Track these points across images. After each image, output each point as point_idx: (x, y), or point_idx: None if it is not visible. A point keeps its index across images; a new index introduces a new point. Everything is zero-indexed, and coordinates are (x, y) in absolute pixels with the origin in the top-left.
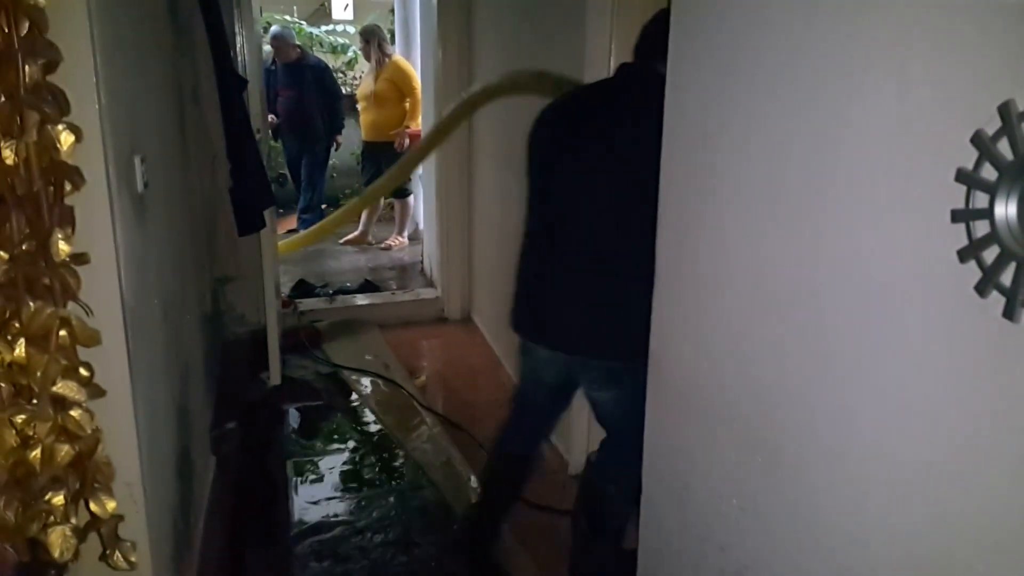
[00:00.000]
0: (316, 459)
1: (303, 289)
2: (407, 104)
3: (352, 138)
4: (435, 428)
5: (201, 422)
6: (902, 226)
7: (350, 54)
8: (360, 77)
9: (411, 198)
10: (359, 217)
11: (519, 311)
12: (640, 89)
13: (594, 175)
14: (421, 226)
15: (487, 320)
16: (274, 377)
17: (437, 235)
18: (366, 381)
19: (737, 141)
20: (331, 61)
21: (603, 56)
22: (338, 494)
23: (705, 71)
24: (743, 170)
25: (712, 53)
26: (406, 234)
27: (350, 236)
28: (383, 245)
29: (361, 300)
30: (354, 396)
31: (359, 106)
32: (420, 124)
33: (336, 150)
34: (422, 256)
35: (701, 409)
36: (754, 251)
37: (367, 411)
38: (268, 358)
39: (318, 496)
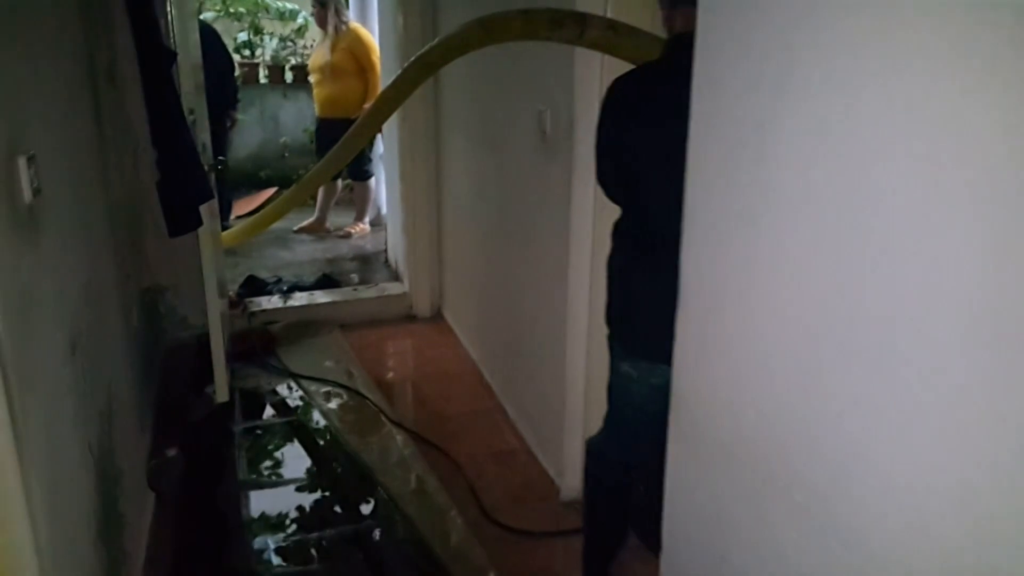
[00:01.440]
0: (269, 491)
1: (254, 286)
2: (367, 78)
3: (306, 113)
4: (406, 448)
5: (134, 457)
6: None
7: (300, 20)
8: (311, 47)
9: (372, 181)
10: (314, 201)
11: (641, 332)
12: None
13: None
14: (384, 211)
15: (459, 317)
16: (220, 393)
17: (402, 222)
18: (327, 392)
19: (795, 147)
20: (279, 28)
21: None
22: (295, 535)
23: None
24: (800, 183)
25: (752, 45)
26: (367, 220)
27: (305, 223)
28: (342, 233)
29: (320, 298)
30: (314, 413)
31: (311, 79)
32: None
33: (231, 128)
34: (386, 245)
35: (748, 469)
36: (823, 271)
37: (328, 429)
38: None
39: (271, 538)
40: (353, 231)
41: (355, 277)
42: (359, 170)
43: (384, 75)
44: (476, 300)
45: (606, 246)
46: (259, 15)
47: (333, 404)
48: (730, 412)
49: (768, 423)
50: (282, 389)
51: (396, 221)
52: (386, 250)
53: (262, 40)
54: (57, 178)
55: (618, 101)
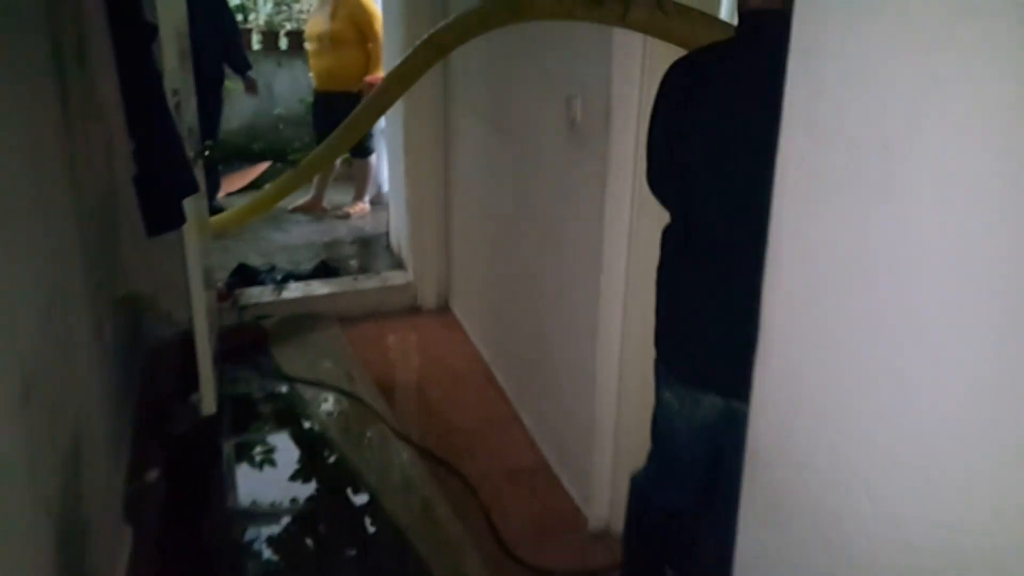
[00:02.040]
0: (261, 520)
1: (245, 275)
2: (369, 48)
3: (301, 82)
4: (413, 468)
5: (107, 497)
6: None
7: None
8: (309, 11)
9: (373, 157)
10: (311, 180)
11: (688, 353)
12: None
13: None
14: (385, 189)
15: (469, 311)
16: (207, 403)
17: (407, 203)
18: (326, 398)
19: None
20: None
21: None
22: (290, 572)
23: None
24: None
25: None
26: (367, 199)
27: (301, 202)
28: (340, 213)
29: (317, 289)
30: (311, 423)
31: (308, 47)
32: (383, 74)
33: (250, 91)
34: (388, 227)
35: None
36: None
37: (327, 444)
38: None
39: None
40: (352, 211)
41: (355, 263)
42: (359, 146)
43: (387, 46)
44: (489, 295)
45: (645, 249)
46: None
47: (332, 413)
48: (831, 487)
49: (885, 510)
50: (276, 395)
51: (399, 201)
52: (388, 233)
53: (256, 3)
54: (10, 179)
55: (678, 86)
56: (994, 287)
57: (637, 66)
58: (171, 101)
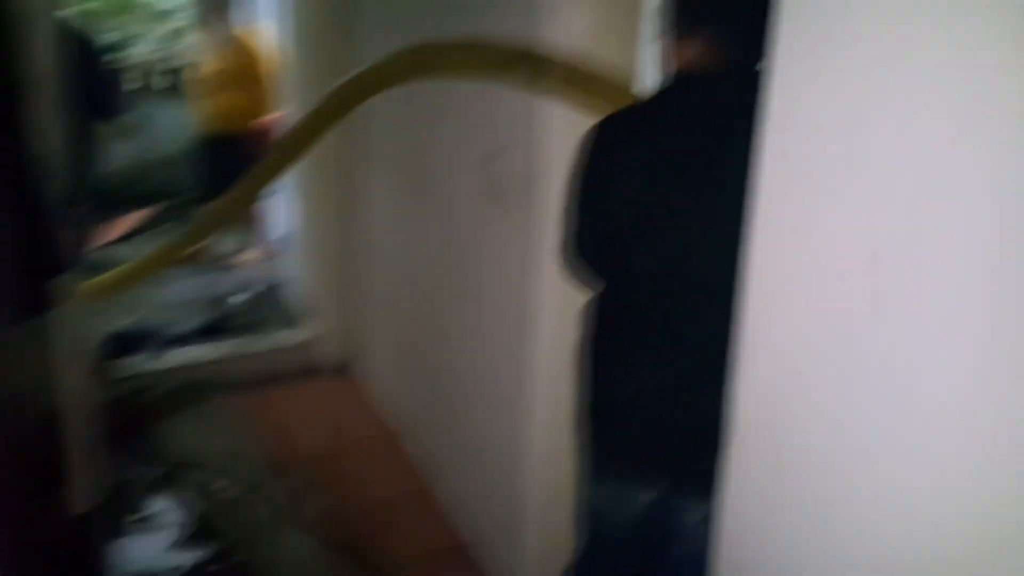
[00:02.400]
0: None
1: (121, 342)
2: (257, 90)
3: (185, 122)
4: (317, 559)
5: None
6: None
7: (178, 20)
8: (190, 50)
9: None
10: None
11: (623, 440)
12: None
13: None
14: (279, 234)
15: (374, 372)
16: (80, 499)
17: (303, 250)
18: (218, 484)
19: None
20: (153, 29)
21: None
22: None
23: None
24: None
25: None
26: (257, 244)
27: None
28: (228, 261)
29: (203, 354)
30: (203, 517)
31: (191, 89)
32: (275, 116)
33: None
34: (282, 277)
35: None
36: None
37: (219, 537)
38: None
39: None
40: (240, 260)
41: (245, 321)
42: None
43: (284, 86)
44: (398, 357)
45: (574, 322)
46: (125, 14)
47: (226, 499)
48: None
49: None
50: (161, 481)
51: (295, 248)
52: (282, 284)
53: (132, 41)
54: None
55: (611, 142)
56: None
57: (562, 125)
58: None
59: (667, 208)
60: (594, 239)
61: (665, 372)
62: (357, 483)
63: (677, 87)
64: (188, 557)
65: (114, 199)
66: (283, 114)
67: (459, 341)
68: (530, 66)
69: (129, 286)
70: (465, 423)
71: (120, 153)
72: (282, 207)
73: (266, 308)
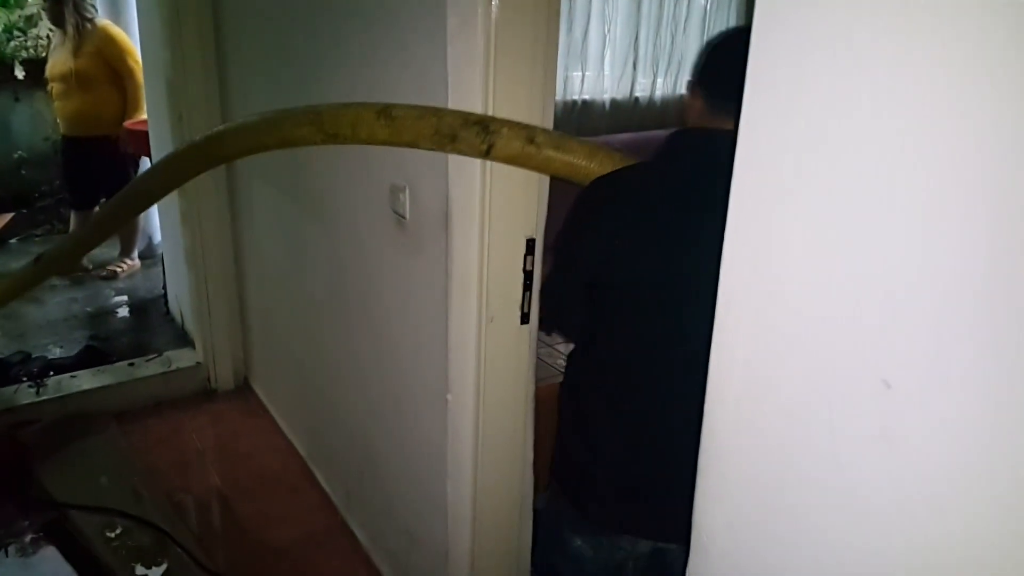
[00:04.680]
0: None
1: None
2: (125, 87)
3: (45, 117)
4: None
5: None
6: None
7: (30, 8)
8: (48, 38)
9: None
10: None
11: (606, 495)
12: None
13: None
14: (157, 239)
15: (276, 393)
16: None
17: (186, 259)
18: (110, 526)
19: None
20: (3, 17)
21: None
22: None
23: None
24: None
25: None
26: (136, 254)
27: None
28: (106, 272)
29: (86, 381)
30: (92, 562)
31: (51, 88)
32: (145, 116)
33: None
34: (164, 288)
35: None
36: None
37: None
38: None
39: None
40: (120, 269)
41: (129, 341)
42: None
43: (149, 85)
44: (302, 379)
45: (494, 363)
46: None
47: (119, 545)
48: None
49: None
50: (45, 529)
51: (176, 256)
52: (165, 295)
53: None
54: None
55: (614, 203)
56: None
57: (478, 164)
58: None
59: (675, 266)
60: (577, 302)
61: (661, 430)
62: (266, 520)
63: (680, 145)
64: None
65: None
66: (148, 115)
67: (368, 374)
68: (477, 134)
69: None
70: (379, 465)
71: None
72: (155, 212)
73: (152, 324)
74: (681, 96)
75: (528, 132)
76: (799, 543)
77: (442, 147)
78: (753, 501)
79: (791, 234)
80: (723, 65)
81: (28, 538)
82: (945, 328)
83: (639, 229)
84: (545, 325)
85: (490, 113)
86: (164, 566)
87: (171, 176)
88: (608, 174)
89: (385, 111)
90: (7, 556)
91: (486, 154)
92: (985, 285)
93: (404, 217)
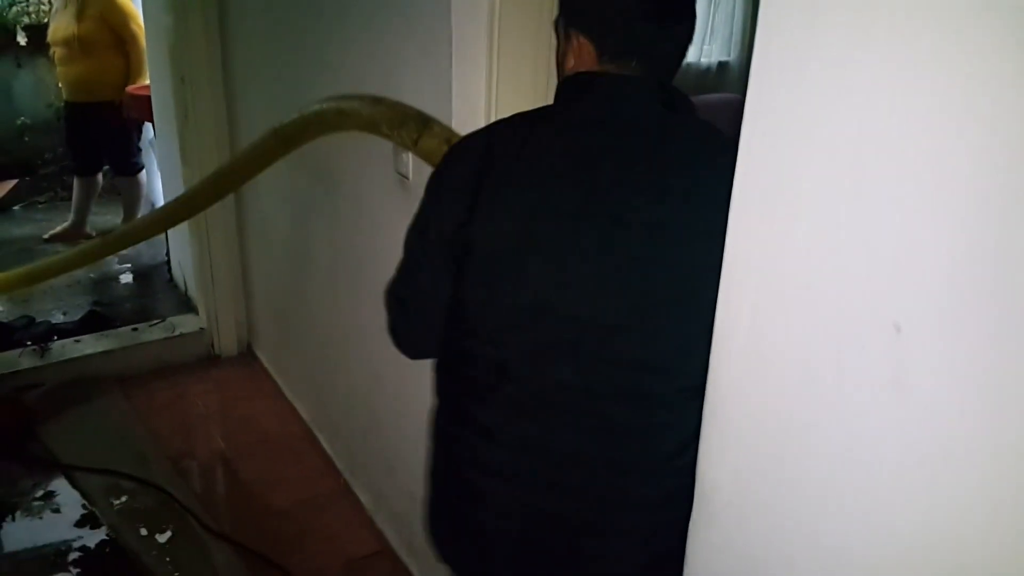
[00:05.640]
0: None
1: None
2: (128, 52)
3: (48, 83)
4: (231, 570)
5: None
6: None
7: None
8: (50, 5)
9: (142, 174)
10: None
11: (470, 540)
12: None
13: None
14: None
15: (280, 359)
16: None
17: (188, 226)
18: (114, 490)
19: None
20: None
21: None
22: None
23: None
24: None
25: None
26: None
27: (58, 229)
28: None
29: (90, 345)
30: (98, 528)
31: (53, 53)
32: (148, 81)
33: None
34: (167, 254)
35: None
36: None
37: (118, 551)
38: None
39: None
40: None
41: (133, 307)
42: (126, 163)
43: (152, 50)
44: (304, 346)
45: None
46: None
47: (123, 507)
48: None
49: None
50: (51, 493)
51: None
52: (168, 262)
53: None
54: None
55: (482, 160)
56: None
57: (482, 114)
58: None
59: (553, 241)
60: (446, 279)
61: (543, 462)
62: (270, 483)
63: (568, 93)
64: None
65: None
66: (150, 80)
67: (370, 340)
68: (416, 127)
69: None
70: (381, 427)
71: None
72: (158, 180)
73: (155, 290)
74: (687, 65)
75: (450, 135)
76: (806, 493)
77: (391, 133)
78: (759, 450)
79: (801, 176)
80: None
81: (33, 499)
82: (959, 269)
83: (529, 190)
84: (398, 323)
85: (494, 89)
86: (169, 531)
87: (245, 165)
88: (494, 123)
89: (376, 101)
90: (13, 520)
91: (415, 144)
92: (1002, 225)
93: (407, 178)
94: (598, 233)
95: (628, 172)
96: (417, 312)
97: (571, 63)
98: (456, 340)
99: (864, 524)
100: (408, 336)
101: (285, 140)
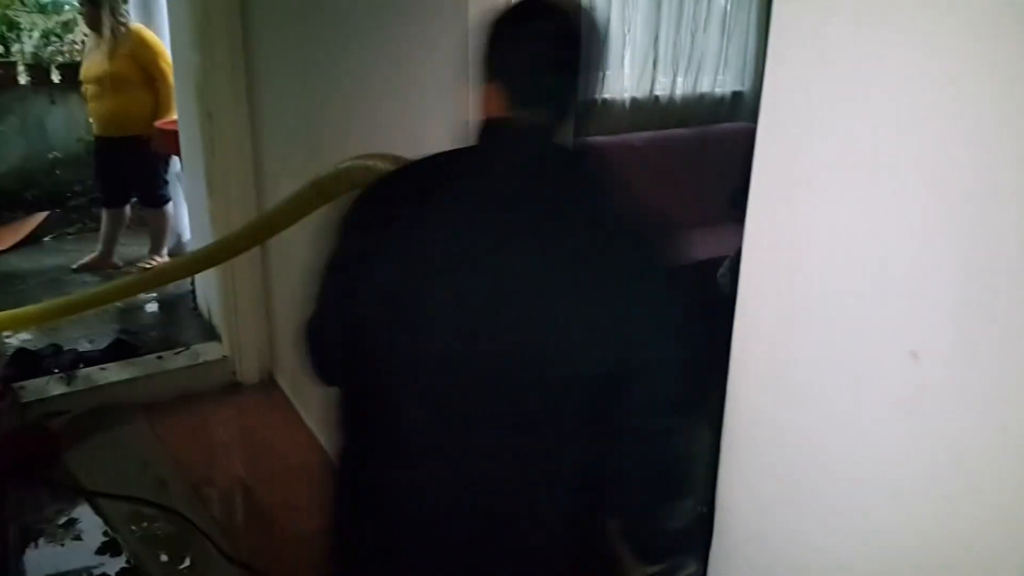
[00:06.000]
0: None
1: (24, 362)
2: (157, 89)
3: (79, 119)
4: None
5: None
6: None
7: (67, 13)
8: (82, 44)
9: (169, 206)
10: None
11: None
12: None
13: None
14: (186, 238)
15: (299, 386)
16: None
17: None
18: (136, 517)
19: None
20: (40, 22)
21: None
22: None
23: None
24: None
25: None
26: (165, 252)
27: (87, 259)
28: (135, 270)
29: (115, 373)
30: (119, 555)
31: (86, 90)
32: (175, 116)
33: None
34: (192, 285)
35: None
36: None
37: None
38: None
39: None
40: (149, 266)
41: (158, 335)
42: (153, 195)
43: (179, 86)
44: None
45: None
46: (13, 7)
47: (144, 534)
48: None
49: None
50: (73, 518)
51: None
52: (193, 291)
53: (19, 36)
54: None
55: (394, 204)
56: None
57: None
58: None
59: (467, 295)
60: (343, 333)
61: (454, 509)
62: (289, 511)
63: (488, 139)
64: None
65: (7, 202)
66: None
67: None
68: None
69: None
70: None
71: (12, 152)
72: (184, 211)
73: (179, 319)
74: (701, 95)
75: None
76: (824, 519)
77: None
78: (777, 475)
79: (815, 205)
80: (517, 53)
81: (56, 526)
82: (973, 296)
83: (441, 235)
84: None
85: None
86: (189, 558)
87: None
88: (389, 174)
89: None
90: (36, 547)
91: None
92: (1019, 250)
93: None
94: (480, 279)
95: (519, 218)
96: (330, 344)
97: (486, 109)
98: (354, 376)
99: (882, 549)
100: (321, 365)
101: (322, 192)
